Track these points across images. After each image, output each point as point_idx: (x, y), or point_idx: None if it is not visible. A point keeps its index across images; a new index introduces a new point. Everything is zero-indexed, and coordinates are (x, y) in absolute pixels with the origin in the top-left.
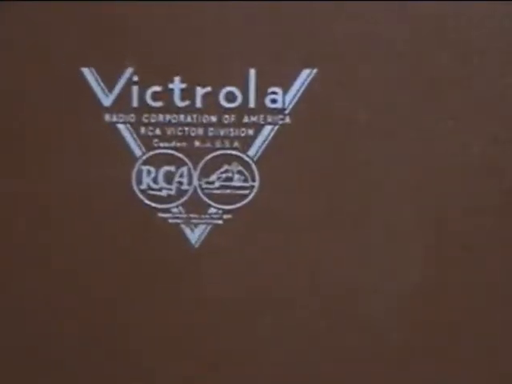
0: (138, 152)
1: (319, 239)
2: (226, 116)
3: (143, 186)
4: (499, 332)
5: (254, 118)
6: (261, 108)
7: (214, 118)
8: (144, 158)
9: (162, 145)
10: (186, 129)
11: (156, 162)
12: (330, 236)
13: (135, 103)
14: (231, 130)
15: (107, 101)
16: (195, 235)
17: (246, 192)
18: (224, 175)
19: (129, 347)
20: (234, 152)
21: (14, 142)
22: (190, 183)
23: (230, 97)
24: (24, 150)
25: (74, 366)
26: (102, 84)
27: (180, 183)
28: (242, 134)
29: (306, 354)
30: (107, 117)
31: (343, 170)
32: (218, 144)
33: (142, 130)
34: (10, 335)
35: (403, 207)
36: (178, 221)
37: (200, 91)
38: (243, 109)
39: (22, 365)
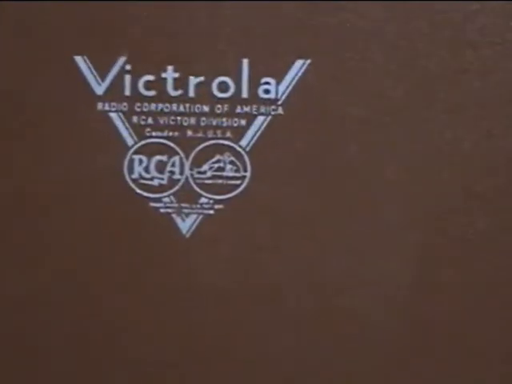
0: (130, 141)
1: (311, 230)
2: (219, 106)
3: (135, 176)
4: (491, 324)
5: (246, 108)
6: (254, 98)
7: (206, 108)
8: (136, 147)
9: (154, 134)
10: (179, 118)
11: (148, 151)
12: (321, 227)
13: (128, 92)
14: (224, 119)
15: (100, 89)
16: (186, 225)
17: (238, 182)
18: (216, 165)
19: (120, 335)
20: (226, 142)
21: (5, 130)
22: (181, 173)
23: (223, 87)
24: (16, 139)
25: (67, 348)
26: (94, 72)
27: (172, 173)
28: (235, 124)
29: (297, 342)
30: (100, 105)
31: (336, 161)
32: (210, 134)
33: (135, 118)
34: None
35: (396, 199)
36: (170, 210)
37: (193, 81)
38: (236, 99)
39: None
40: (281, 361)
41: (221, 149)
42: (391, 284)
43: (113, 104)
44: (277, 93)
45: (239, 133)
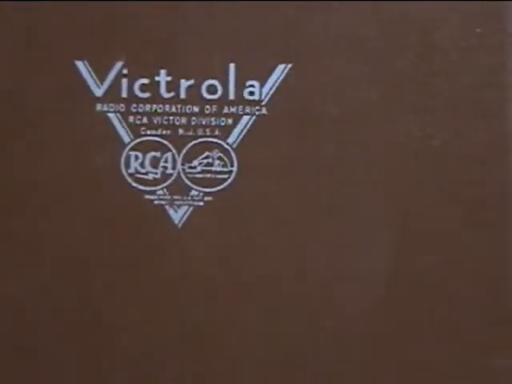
0: (126, 139)
1: (292, 221)
2: (208, 106)
3: (131, 170)
4: (469, 313)
5: (233, 109)
6: (239, 99)
7: (196, 109)
8: (132, 144)
9: (148, 132)
10: (171, 118)
11: (143, 148)
12: (302, 218)
13: (124, 94)
14: (212, 119)
15: (99, 92)
16: (178, 215)
17: (225, 176)
18: (205, 161)
19: (116, 320)
20: (214, 140)
21: (12, 129)
22: (174, 168)
23: (212, 89)
24: (21, 137)
25: (62, 336)
26: (94, 76)
27: (165, 168)
28: (222, 124)
29: (285, 329)
30: (99, 106)
31: (315, 157)
32: (200, 132)
33: (131, 118)
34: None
35: (371, 191)
36: (163, 202)
37: (184, 83)
38: (223, 100)
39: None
40: (269, 347)
41: (210, 146)
42: (369, 274)
43: (111, 105)
44: (260, 94)
45: (226, 131)
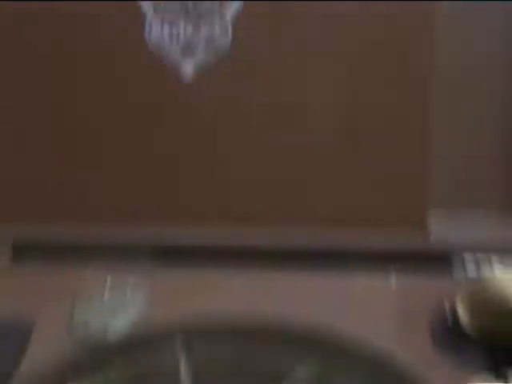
0: (150, 11)
1: (273, 73)
2: None
3: (153, 35)
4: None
5: None
6: None
7: None
8: (154, 15)
9: (168, 7)
10: None
11: (162, 18)
12: (280, 71)
13: None
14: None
15: None
16: (189, 73)
17: (224, 42)
18: (210, 30)
19: (149, 140)
20: (217, 13)
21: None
22: (185, 35)
23: None
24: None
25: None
26: None
27: (179, 35)
28: (223, 4)
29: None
30: None
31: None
32: (206, 8)
33: None
34: None
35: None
36: (177, 62)
37: None
38: None
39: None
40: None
41: (215, 19)
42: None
43: None
44: None
45: (226, 7)
